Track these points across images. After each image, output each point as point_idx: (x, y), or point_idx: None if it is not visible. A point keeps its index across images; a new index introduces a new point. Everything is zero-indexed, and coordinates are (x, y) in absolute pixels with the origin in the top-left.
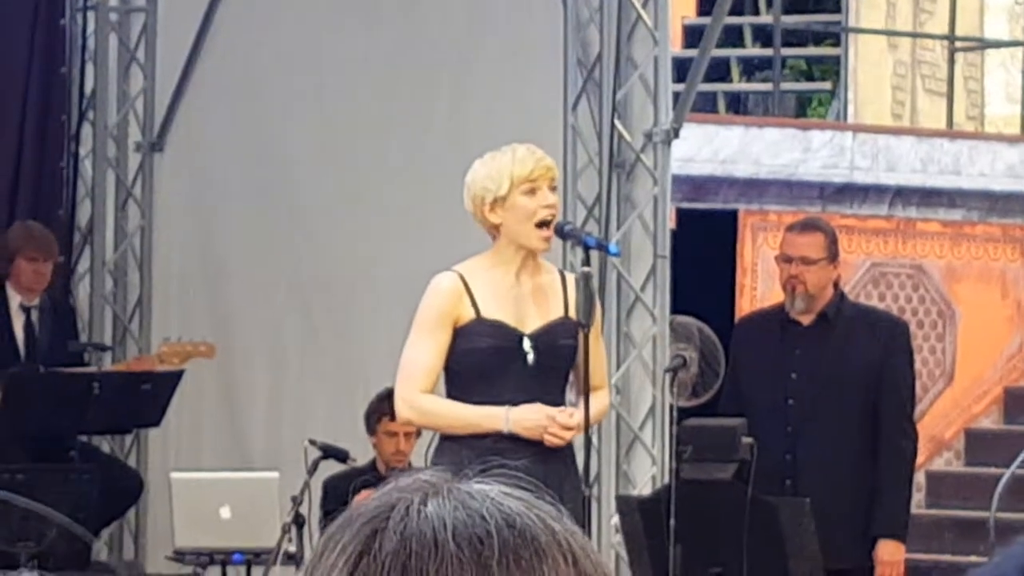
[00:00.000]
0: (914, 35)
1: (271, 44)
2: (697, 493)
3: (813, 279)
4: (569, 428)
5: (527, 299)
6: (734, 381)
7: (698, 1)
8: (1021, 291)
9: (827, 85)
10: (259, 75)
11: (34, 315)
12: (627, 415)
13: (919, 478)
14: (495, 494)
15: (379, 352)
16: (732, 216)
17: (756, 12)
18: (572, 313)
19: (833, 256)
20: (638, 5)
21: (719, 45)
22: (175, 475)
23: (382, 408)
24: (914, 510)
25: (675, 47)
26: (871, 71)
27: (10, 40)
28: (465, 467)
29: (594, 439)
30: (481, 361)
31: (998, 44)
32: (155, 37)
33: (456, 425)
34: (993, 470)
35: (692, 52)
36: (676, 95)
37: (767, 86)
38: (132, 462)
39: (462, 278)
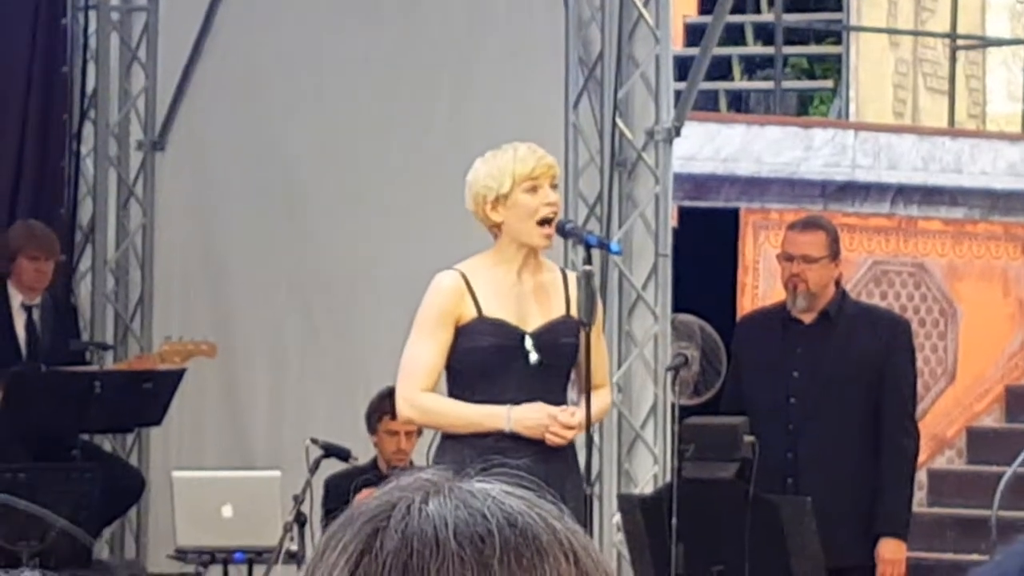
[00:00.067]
0: (915, 33)
1: (272, 43)
2: (699, 492)
3: (815, 277)
4: (570, 427)
5: (529, 298)
6: (736, 380)
7: None
8: (1023, 289)
9: (829, 83)
10: (260, 74)
11: (35, 314)
12: (629, 414)
13: (921, 476)
14: (496, 493)
15: (380, 351)
16: (734, 214)
17: (758, 10)
18: (574, 311)
19: (835, 254)
20: (639, 4)
21: (720, 43)
22: (177, 474)
23: (383, 407)
24: (916, 508)
25: (676, 45)
26: (873, 69)
27: (11, 39)
28: (466, 466)
29: (596, 438)
30: (483, 360)
31: (999, 42)
32: (156, 36)
33: (457, 424)
34: (995, 468)
35: (693, 50)
36: (677, 93)
37: (768, 84)
38: (134, 461)
39: (464, 277)
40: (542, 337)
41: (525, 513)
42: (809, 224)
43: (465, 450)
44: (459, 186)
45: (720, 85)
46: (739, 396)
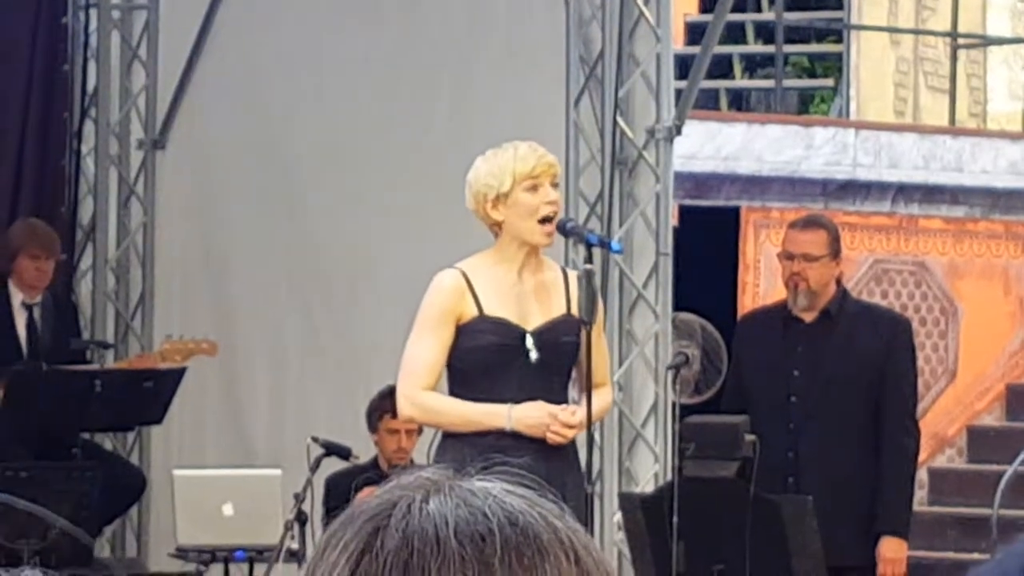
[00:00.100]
0: (916, 32)
1: (273, 43)
2: (699, 490)
3: (815, 276)
4: (571, 426)
5: (529, 296)
6: (736, 378)
7: None
8: (1023, 288)
9: (829, 82)
10: (261, 73)
11: (36, 313)
12: (629, 412)
13: (921, 475)
14: (497, 492)
15: (381, 350)
16: (734, 213)
17: (758, 9)
18: (574, 310)
19: (835, 253)
20: (640, 2)
21: (721, 42)
22: (177, 472)
23: (383, 405)
24: (916, 507)
25: (677, 44)
26: (873, 68)
27: (12, 37)
28: (467, 465)
29: (596, 436)
30: (484, 358)
31: (1000, 41)
32: (157, 34)
33: (458, 423)
34: (995, 467)
35: (694, 49)
36: (678, 92)
37: (769, 83)
38: (134, 459)
39: (464, 275)
40: (543, 336)
41: (526, 512)
42: (810, 223)
43: (466, 449)
44: (459, 186)
45: (721, 84)
46: (740, 395)
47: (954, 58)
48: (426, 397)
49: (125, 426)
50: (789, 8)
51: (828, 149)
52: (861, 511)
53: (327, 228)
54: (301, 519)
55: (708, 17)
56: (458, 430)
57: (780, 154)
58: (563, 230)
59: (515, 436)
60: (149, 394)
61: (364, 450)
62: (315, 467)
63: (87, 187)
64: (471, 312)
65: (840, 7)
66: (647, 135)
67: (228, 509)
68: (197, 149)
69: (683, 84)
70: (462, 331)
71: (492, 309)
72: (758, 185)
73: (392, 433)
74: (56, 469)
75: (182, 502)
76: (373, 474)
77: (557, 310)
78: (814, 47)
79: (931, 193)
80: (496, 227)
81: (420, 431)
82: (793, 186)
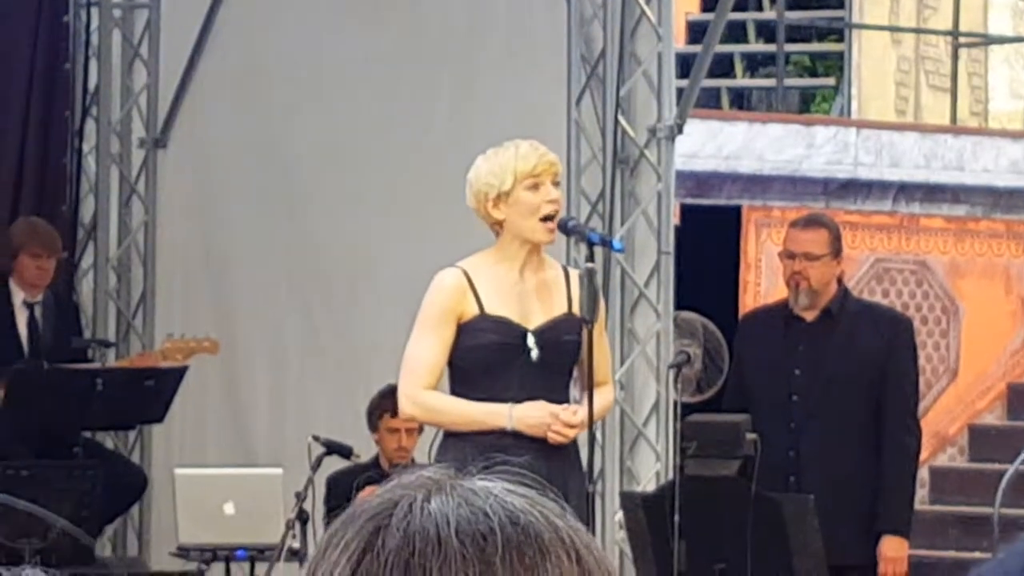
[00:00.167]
0: (918, 31)
1: (273, 42)
2: (701, 489)
3: (816, 275)
4: (572, 425)
5: (531, 295)
6: (738, 377)
7: None
8: None
9: (831, 81)
10: (262, 72)
11: (37, 311)
12: (631, 411)
13: (923, 474)
14: (498, 491)
15: (381, 349)
16: (736, 212)
17: (760, 8)
18: (576, 309)
19: (837, 252)
20: (641, 1)
21: (723, 41)
22: (179, 471)
23: (384, 404)
24: (918, 506)
25: (679, 43)
26: (875, 67)
27: (13, 36)
28: (468, 464)
29: (598, 435)
30: (485, 357)
31: (1002, 40)
32: (158, 33)
33: (459, 422)
34: (997, 466)
35: (696, 48)
36: (680, 91)
37: (771, 82)
38: (136, 458)
39: (466, 274)
40: (544, 334)
41: (527, 511)
42: (811, 222)
43: (467, 448)
44: (460, 185)
45: (722, 83)
46: (741, 393)
47: (955, 57)
48: (427, 396)
49: (126, 425)
50: (790, 7)
51: (829, 148)
52: (862, 510)
53: (327, 228)
54: (302, 518)
55: (709, 16)
56: (459, 429)
57: (781, 153)
58: (564, 229)
59: (516, 435)
60: (150, 393)
61: (365, 449)
62: (316, 466)
63: (88, 186)
64: (472, 311)
65: (841, 6)
66: (648, 134)
67: (229, 508)
68: (198, 148)
69: (684, 83)
70: (463, 330)
71: (493, 308)
72: (759, 184)
73: (393, 432)
74: (57, 468)
75: (183, 501)
76: (374, 473)
77: (558, 309)
78: (815, 46)
79: (932, 192)
80: (497, 226)
81: (421, 430)
82: (794, 185)
